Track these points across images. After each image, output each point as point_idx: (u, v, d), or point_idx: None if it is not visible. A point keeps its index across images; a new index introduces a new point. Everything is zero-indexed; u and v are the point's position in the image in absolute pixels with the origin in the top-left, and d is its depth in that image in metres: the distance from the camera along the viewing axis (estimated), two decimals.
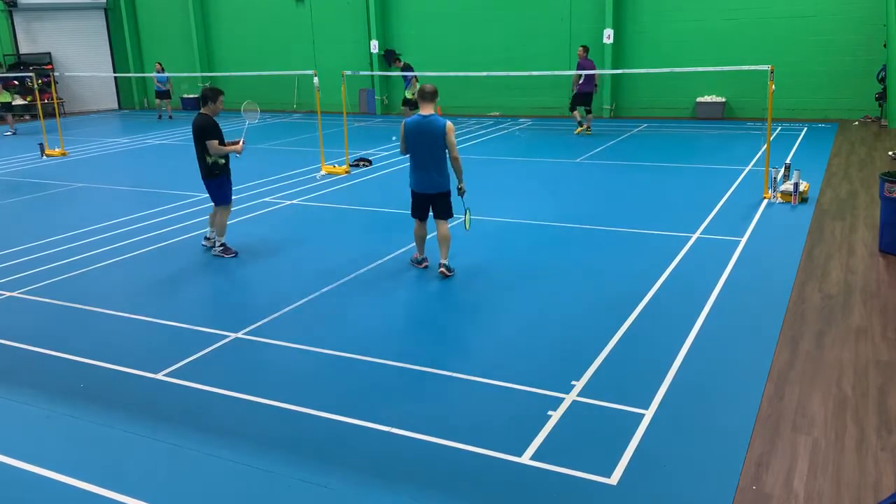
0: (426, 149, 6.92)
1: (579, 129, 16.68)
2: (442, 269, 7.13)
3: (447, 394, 4.92)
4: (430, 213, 7.29)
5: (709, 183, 11.01)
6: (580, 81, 16.06)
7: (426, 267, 7.42)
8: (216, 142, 7.84)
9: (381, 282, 7.15)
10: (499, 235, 8.62)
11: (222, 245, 8.14)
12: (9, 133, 20.20)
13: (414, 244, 7.59)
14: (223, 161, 8.03)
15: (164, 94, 22.88)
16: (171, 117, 23.16)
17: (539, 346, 5.57)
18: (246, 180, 12.12)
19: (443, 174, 7.08)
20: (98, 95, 26.96)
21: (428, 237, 7.56)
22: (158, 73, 22.53)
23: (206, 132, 7.81)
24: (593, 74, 15.94)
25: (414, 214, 7.33)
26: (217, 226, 8.15)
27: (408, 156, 7.17)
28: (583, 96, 16.35)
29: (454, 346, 5.75)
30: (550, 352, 5.46)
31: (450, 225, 7.24)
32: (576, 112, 16.74)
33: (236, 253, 8.14)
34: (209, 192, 8.23)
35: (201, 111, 7.93)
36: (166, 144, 17.79)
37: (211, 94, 7.89)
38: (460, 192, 7.16)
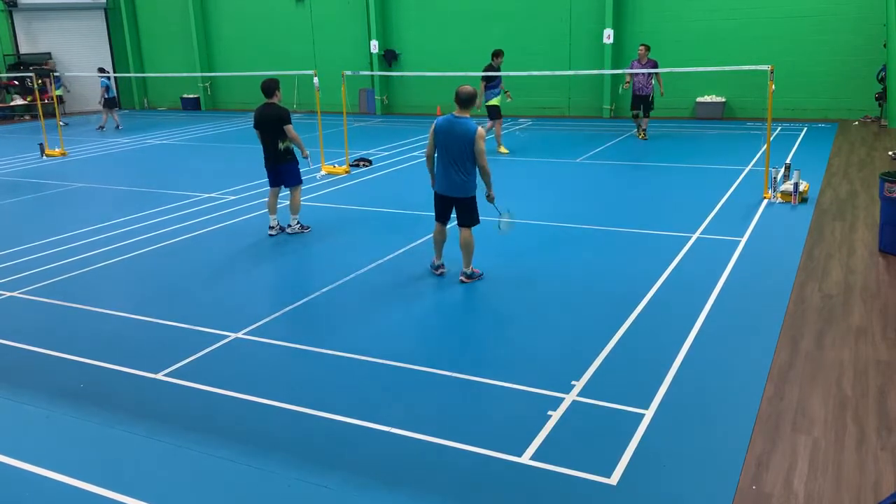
0: (451, 150, 6.74)
1: (640, 133, 15.67)
2: (462, 277, 7.02)
3: (447, 394, 4.92)
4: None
5: (709, 183, 11.00)
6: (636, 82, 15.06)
7: (443, 274, 7.16)
8: (291, 126, 8.68)
9: (380, 282, 7.15)
10: (498, 235, 8.59)
11: (298, 223, 8.94)
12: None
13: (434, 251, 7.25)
14: (291, 146, 8.81)
15: (110, 103, 20.63)
16: (117, 127, 20.93)
17: (539, 346, 5.57)
18: (246, 180, 12.12)
19: (466, 178, 6.80)
20: (98, 95, 26.87)
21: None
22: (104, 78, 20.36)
23: (286, 119, 8.63)
24: (644, 75, 14.80)
25: (436, 217, 7.12)
26: (294, 205, 8.87)
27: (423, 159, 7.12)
28: (635, 98, 15.32)
29: (454, 346, 5.74)
30: (550, 352, 5.46)
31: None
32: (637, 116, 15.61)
33: (309, 228, 9.01)
34: (283, 177, 8.84)
35: (272, 102, 8.65)
36: (166, 144, 17.79)
37: (277, 85, 8.72)
38: (489, 198, 7.01)
